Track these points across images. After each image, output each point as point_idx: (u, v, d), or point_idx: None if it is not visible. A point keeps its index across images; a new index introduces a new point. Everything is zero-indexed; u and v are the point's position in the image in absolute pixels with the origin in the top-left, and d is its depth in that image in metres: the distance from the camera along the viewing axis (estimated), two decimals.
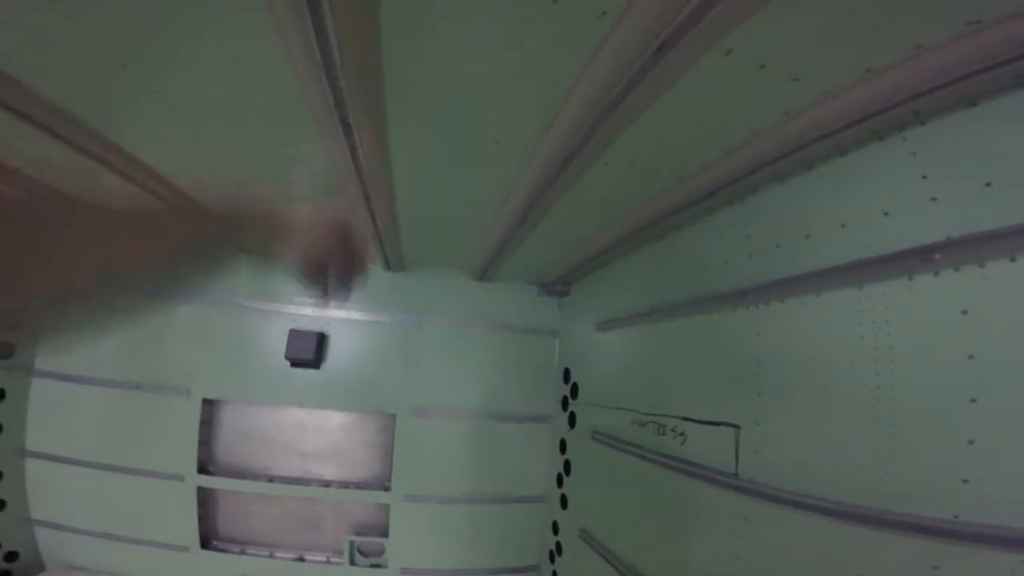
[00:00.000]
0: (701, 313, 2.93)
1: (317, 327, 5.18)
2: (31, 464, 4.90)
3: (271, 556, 5.16)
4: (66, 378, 4.95)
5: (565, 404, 5.08)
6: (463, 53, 1.81)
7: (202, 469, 5.00)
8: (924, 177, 1.73)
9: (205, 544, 5.03)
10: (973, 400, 1.53)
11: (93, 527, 4.91)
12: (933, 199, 1.69)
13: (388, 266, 5.15)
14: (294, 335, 5.04)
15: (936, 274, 1.66)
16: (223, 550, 5.11)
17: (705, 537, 2.76)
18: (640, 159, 2.48)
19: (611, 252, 3.93)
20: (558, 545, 4.91)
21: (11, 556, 4.81)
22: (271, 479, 5.14)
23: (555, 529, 5.02)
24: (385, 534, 5.14)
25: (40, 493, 4.94)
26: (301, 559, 5.17)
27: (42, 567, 5.00)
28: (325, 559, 5.21)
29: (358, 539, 5.16)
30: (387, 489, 5.13)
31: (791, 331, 2.24)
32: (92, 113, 2.52)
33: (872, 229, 1.89)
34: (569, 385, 5.03)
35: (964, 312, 1.58)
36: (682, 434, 2.98)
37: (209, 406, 5.11)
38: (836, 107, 1.82)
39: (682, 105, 1.96)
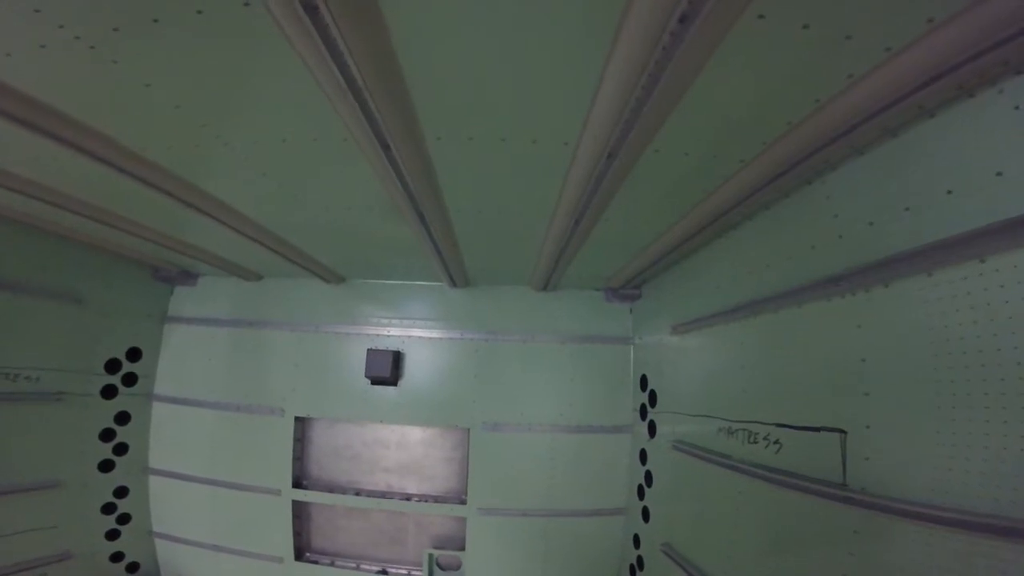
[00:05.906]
0: (789, 307, 2.69)
1: (393, 346, 5.41)
2: (153, 480, 5.47)
3: (357, 568, 5.36)
4: (181, 401, 5.52)
5: (644, 413, 4.87)
6: (475, 50, 1.76)
7: (297, 484, 5.36)
8: None
9: (299, 556, 5.35)
10: None
11: (204, 539, 5.37)
12: None
13: (453, 283, 5.27)
14: (372, 354, 5.32)
15: None
16: (314, 562, 5.40)
17: (807, 553, 2.49)
18: (693, 145, 2.34)
19: (681, 250, 3.75)
20: (639, 559, 4.68)
21: (133, 567, 5.31)
22: (358, 493, 5.38)
23: (636, 543, 4.79)
24: (463, 547, 5.17)
25: (159, 507, 5.49)
26: (384, 572, 5.32)
27: None
28: (407, 572, 5.36)
29: (437, 552, 5.23)
30: (463, 502, 5.19)
31: (901, 318, 1.99)
32: (166, 157, 2.68)
33: (986, 194, 1.66)
34: (647, 393, 4.82)
35: None
36: (777, 442, 2.73)
37: (301, 424, 5.49)
38: (904, 65, 1.65)
39: (726, 80, 1.83)
